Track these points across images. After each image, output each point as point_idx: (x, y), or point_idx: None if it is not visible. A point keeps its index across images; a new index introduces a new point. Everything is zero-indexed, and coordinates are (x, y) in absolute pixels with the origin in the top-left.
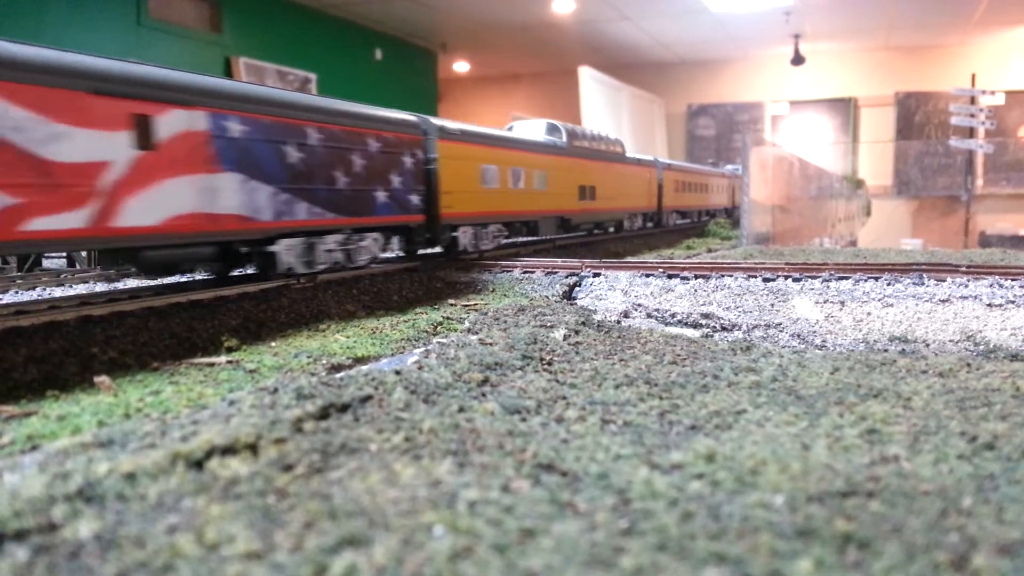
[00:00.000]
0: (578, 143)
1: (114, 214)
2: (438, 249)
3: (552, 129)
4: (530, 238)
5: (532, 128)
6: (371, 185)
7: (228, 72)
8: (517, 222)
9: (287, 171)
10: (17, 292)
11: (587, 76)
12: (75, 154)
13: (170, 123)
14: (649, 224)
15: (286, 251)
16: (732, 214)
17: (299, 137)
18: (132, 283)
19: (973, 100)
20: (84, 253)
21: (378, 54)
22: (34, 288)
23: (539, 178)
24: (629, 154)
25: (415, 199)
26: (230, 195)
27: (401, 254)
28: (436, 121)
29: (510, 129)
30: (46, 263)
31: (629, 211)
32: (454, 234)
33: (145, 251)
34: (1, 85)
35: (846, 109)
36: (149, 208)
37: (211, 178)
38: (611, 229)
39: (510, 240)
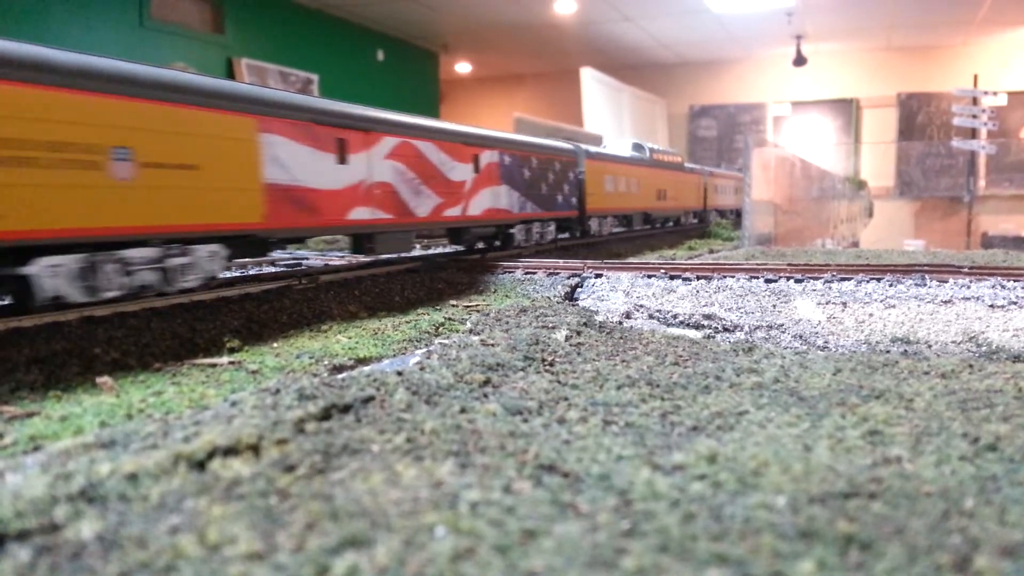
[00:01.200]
0: (656, 156)
1: (467, 208)
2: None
3: (638, 147)
4: (624, 228)
5: (620, 146)
6: (555, 191)
7: (230, 73)
8: (621, 215)
9: (522, 183)
10: None
11: (589, 77)
12: (457, 176)
13: (485, 157)
14: (695, 220)
15: (518, 232)
16: None
17: (528, 163)
18: None
19: (975, 101)
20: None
21: (380, 55)
22: None
23: (634, 184)
24: (686, 164)
25: (574, 200)
26: (503, 197)
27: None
28: (584, 147)
29: (604, 147)
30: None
31: (686, 209)
32: (589, 222)
33: (472, 229)
34: (440, 144)
35: (848, 110)
36: (477, 205)
37: (497, 188)
38: (670, 224)
39: (619, 228)
